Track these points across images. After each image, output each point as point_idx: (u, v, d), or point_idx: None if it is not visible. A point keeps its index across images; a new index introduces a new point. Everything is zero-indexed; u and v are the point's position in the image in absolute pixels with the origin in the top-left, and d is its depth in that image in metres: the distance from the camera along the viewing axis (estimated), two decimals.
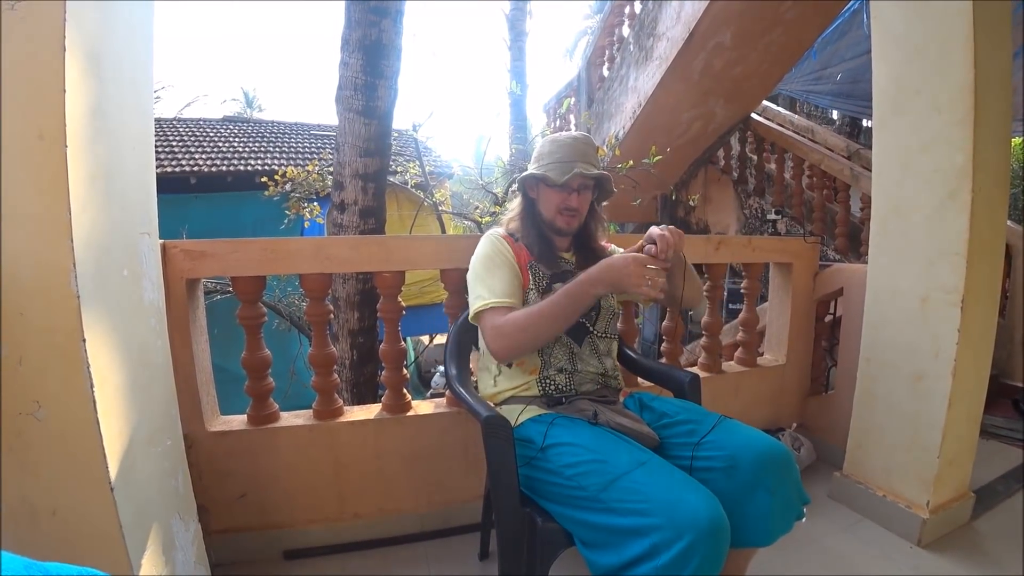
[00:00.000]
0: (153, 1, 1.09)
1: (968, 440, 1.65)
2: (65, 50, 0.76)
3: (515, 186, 1.33)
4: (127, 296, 0.95)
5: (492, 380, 1.26)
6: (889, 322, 1.67)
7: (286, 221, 4.16)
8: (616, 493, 0.89)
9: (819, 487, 1.87)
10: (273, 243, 1.49)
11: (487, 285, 1.17)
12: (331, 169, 3.14)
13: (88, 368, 0.79)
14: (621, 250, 1.45)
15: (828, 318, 2.40)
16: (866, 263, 1.78)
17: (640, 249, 1.08)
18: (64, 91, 0.76)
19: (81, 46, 0.82)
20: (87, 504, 0.83)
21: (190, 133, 8.51)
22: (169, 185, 6.57)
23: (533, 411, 1.15)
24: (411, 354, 8.10)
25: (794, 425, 2.21)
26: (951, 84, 1.45)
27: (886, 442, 1.69)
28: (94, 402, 0.80)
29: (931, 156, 1.52)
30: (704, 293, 2.03)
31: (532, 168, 1.26)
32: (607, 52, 5.40)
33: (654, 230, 1.07)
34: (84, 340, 0.78)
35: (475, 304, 1.16)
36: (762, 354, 2.38)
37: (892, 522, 1.64)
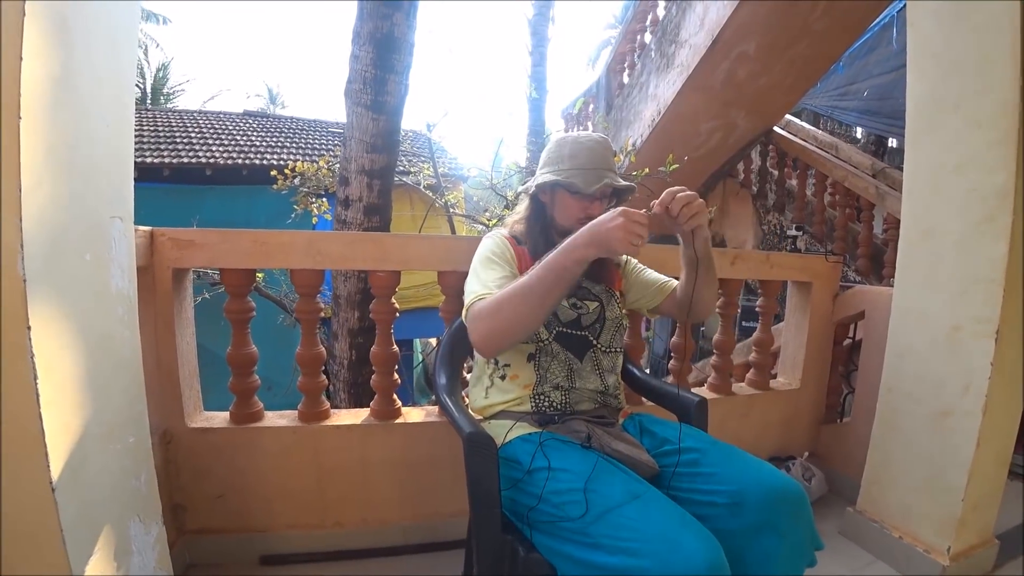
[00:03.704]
0: None
1: (995, 482, 1.53)
2: (24, 14, 0.70)
3: (526, 187, 1.23)
4: (88, 282, 0.88)
5: (483, 392, 1.18)
6: (914, 351, 1.56)
7: (293, 215, 4.13)
8: (605, 528, 0.81)
9: (830, 522, 1.75)
10: (264, 235, 1.44)
11: (481, 280, 1.06)
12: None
13: (32, 357, 0.72)
14: (641, 264, 1.37)
15: (847, 342, 2.29)
16: (888, 286, 1.68)
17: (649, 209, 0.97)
18: (21, 58, 0.70)
19: (43, 4, 0.75)
20: (24, 502, 0.76)
21: (209, 125, 8.64)
22: (185, 175, 6.64)
23: (523, 428, 1.07)
24: (418, 356, 8.06)
25: (806, 454, 2.09)
26: (993, 100, 1.35)
27: (905, 479, 1.57)
28: (37, 394, 0.73)
29: (967, 176, 1.42)
30: (717, 309, 1.94)
31: (549, 171, 1.15)
32: (628, 59, 5.33)
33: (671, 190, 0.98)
34: (29, 327, 0.72)
35: (467, 299, 1.05)
36: (775, 376, 2.27)
37: (909, 567, 1.52)
